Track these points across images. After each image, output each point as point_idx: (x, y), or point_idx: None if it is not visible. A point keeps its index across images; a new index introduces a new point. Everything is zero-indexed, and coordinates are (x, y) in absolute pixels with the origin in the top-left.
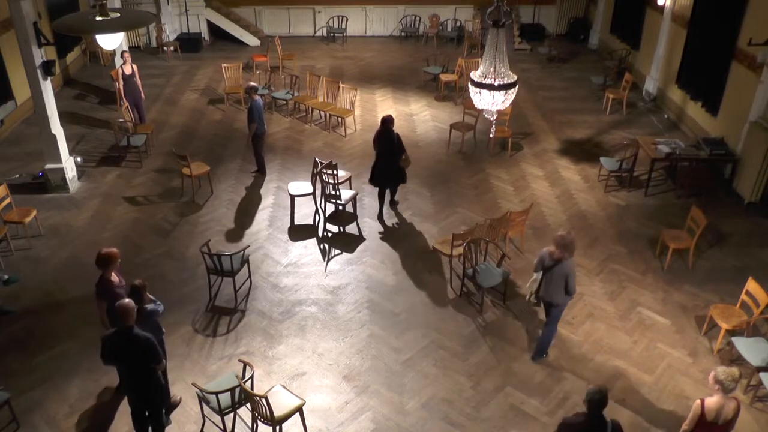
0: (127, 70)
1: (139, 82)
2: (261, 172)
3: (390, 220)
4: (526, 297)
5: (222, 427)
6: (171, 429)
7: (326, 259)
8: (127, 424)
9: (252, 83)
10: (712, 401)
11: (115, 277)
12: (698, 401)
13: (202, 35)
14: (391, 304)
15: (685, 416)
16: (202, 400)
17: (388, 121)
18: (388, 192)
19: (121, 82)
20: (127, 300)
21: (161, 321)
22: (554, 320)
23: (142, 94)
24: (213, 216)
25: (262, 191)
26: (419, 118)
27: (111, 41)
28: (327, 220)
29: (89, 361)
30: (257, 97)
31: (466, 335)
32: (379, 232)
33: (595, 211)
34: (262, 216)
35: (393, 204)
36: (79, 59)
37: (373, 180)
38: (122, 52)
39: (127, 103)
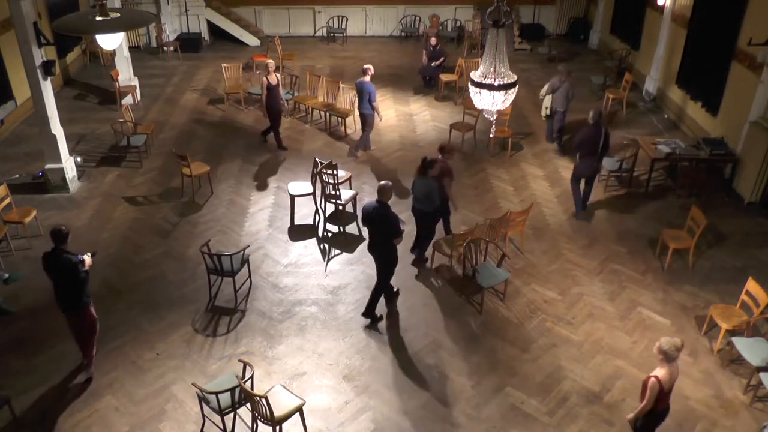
0: (273, 80)
1: (281, 91)
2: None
3: None
4: (542, 115)
5: (222, 427)
6: (170, 429)
7: (326, 259)
8: (128, 424)
9: (368, 65)
10: (664, 373)
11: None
12: (653, 380)
13: (202, 35)
14: (391, 304)
15: (685, 416)
16: (202, 400)
17: (434, 34)
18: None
19: (265, 92)
20: (385, 181)
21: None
22: (562, 121)
23: (285, 105)
24: (213, 216)
25: (262, 191)
26: (419, 118)
27: (111, 41)
28: (327, 220)
29: None
30: (366, 79)
31: (466, 335)
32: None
33: (596, 211)
34: (262, 216)
35: (429, 83)
36: (79, 59)
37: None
38: (266, 62)
39: (267, 113)
